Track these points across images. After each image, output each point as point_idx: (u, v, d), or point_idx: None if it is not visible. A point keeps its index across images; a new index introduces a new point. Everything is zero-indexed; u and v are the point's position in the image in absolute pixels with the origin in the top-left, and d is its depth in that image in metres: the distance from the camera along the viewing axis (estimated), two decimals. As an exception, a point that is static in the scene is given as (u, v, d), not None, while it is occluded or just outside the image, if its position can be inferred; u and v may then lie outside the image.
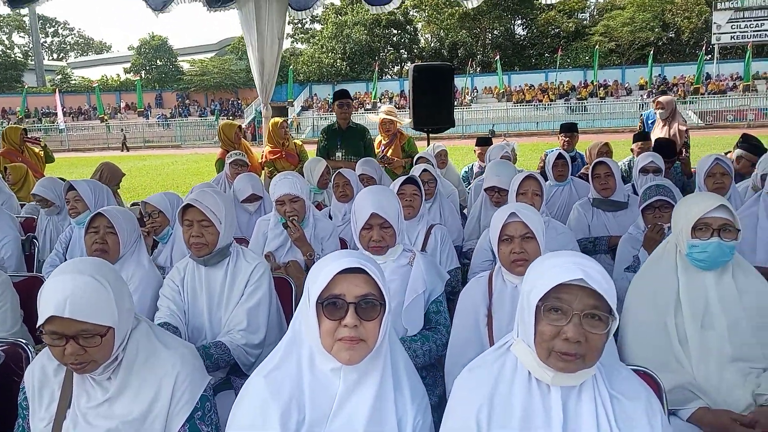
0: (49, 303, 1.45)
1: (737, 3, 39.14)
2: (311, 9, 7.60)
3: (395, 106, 42.01)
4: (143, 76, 52.05)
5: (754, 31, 38.72)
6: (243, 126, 7.02)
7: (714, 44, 39.66)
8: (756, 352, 1.97)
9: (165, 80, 51.98)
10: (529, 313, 1.35)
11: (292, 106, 42.35)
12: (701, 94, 36.29)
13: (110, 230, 2.58)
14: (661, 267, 2.19)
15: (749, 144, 5.59)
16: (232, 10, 6.95)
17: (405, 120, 7.04)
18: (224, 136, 6.19)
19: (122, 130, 39.03)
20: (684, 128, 6.65)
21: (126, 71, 55.86)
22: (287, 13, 7.06)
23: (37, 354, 1.80)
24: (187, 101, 48.38)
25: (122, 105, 47.36)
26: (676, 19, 45.19)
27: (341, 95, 5.86)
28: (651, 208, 3.10)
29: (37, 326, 1.49)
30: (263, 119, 6.86)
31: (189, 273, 2.43)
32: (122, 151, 34.42)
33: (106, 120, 42.06)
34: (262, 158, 6.36)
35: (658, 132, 6.81)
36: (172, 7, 6.64)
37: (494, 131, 31.66)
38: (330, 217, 4.20)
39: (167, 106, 48.19)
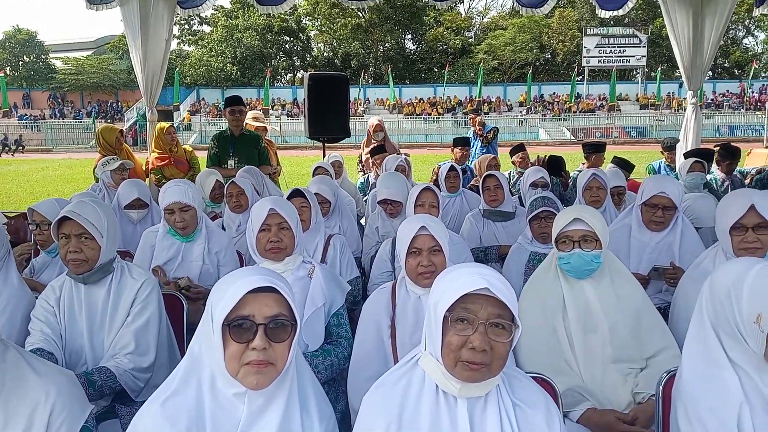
0: None
1: (604, 30, 43.04)
2: (200, 7, 7.31)
3: (287, 115, 41.25)
4: (8, 72, 47.32)
5: (617, 56, 42.74)
6: (123, 129, 6.60)
7: (584, 66, 43.28)
8: (634, 353, 2.14)
9: (34, 78, 47.65)
10: (436, 325, 1.36)
11: (179, 110, 40.51)
12: (573, 112, 39.36)
13: (-29, 245, 2.29)
14: (548, 276, 2.33)
15: (620, 159, 6.21)
16: (114, 8, 6.51)
17: (269, 126, 7.16)
18: (104, 141, 5.75)
19: None
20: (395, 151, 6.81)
21: (-14, 66, 50.61)
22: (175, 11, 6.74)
23: None
24: (60, 101, 44.66)
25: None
26: (551, 41, 48.70)
27: (233, 102, 5.67)
28: (537, 219, 3.28)
29: None
30: (148, 123, 6.48)
31: (66, 292, 2.21)
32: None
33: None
34: (147, 165, 6.00)
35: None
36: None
37: (386, 142, 32.21)
38: (223, 228, 4.04)
39: (37, 106, 44.13)
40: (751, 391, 1.44)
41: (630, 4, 7.05)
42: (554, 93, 43.67)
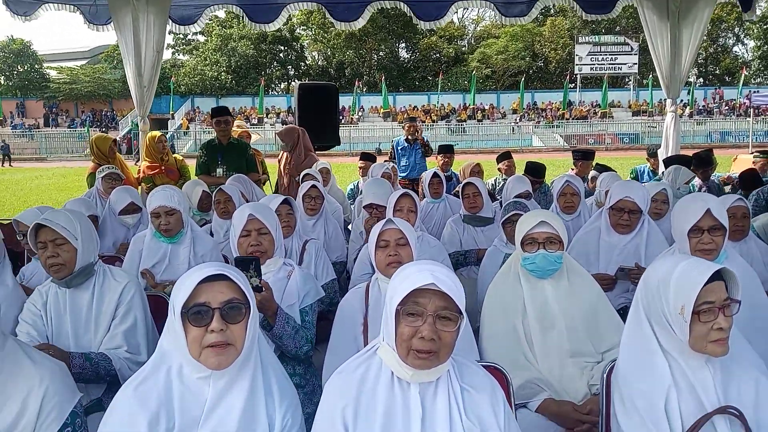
0: None
1: (595, 38, 43.48)
2: (195, 24, 7.46)
3: (282, 123, 41.46)
4: (2, 82, 47.39)
5: (609, 64, 43.15)
6: (118, 138, 6.73)
7: (577, 74, 43.67)
8: (589, 348, 2.28)
9: (28, 88, 47.68)
10: (390, 318, 1.50)
11: (173, 118, 40.66)
12: (566, 119, 39.67)
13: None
14: (509, 278, 2.50)
15: (602, 166, 6.38)
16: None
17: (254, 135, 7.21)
18: (97, 150, 5.87)
19: None
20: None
21: (-19, 76, 50.56)
22: (168, 25, 6.89)
23: None
24: (55, 111, 44.72)
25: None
26: (544, 49, 49.14)
27: (219, 112, 5.79)
28: (509, 222, 3.43)
29: None
30: (140, 133, 6.61)
31: (51, 296, 2.31)
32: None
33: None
34: (139, 173, 6.12)
35: (284, 161, 6.29)
36: (39, 13, 6.26)
37: (381, 149, 32.38)
38: (212, 234, 4.16)
39: (31, 115, 44.19)
40: (679, 375, 1.58)
41: (619, 8, 7.15)
42: (549, 101, 44.00)
